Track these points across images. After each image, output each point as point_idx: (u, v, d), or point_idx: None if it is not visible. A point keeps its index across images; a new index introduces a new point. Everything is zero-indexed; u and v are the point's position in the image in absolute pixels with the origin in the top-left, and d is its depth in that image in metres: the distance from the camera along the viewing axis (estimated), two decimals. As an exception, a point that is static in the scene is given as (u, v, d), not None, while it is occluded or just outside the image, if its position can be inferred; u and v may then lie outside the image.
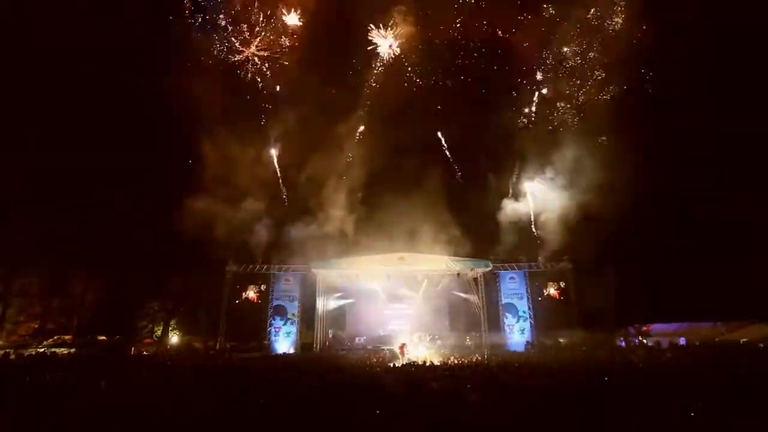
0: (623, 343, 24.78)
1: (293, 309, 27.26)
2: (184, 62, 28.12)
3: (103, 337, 27.66)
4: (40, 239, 26.81)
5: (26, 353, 20.01)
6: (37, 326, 28.00)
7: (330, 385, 9.33)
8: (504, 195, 30.76)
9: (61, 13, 24.92)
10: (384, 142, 30.59)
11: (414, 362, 17.08)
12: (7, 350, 21.58)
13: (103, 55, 27.21)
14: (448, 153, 32.74)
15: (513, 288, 27.77)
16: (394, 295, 30.27)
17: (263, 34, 27.72)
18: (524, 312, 27.27)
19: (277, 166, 30.81)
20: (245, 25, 27.54)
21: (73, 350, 23.45)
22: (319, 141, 30.68)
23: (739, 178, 26.85)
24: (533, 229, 29.20)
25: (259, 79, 28.86)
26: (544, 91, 30.75)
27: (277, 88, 29.44)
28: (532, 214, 29.47)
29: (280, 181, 30.93)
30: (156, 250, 29.44)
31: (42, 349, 22.78)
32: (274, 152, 30.80)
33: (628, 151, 26.30)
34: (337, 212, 29.31)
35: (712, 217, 26.97)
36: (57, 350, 22.80)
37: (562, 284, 27.85)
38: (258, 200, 29.38)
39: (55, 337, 26.95)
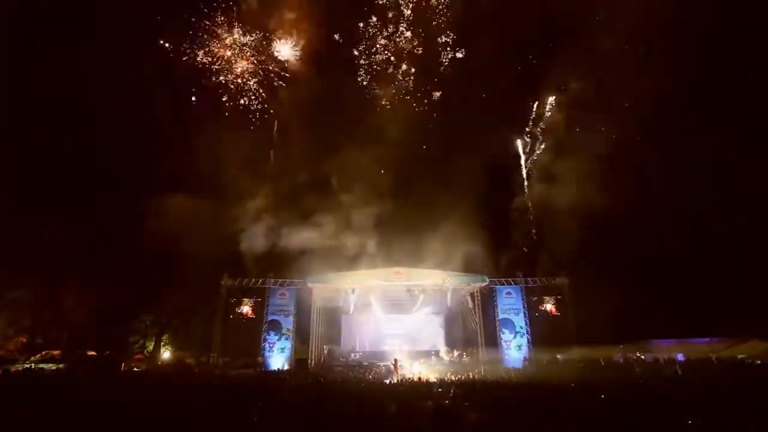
0: (621, 360, 24.54)
1: (288, 324, 26.88)
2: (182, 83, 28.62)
3: (93, 353, 27.08)
4: (33, 251, 26.51)
5: (13, 369, 19.56)
6: (25, 340, 27.41)
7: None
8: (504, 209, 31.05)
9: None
10: (383, 155, 30.88)
11: (410, 379, 16.85)
12: (-6, 366, 21.10)
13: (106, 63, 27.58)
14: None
15: (510, 303, 27.58)
16: (390, 310, 29.99)
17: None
18: (521, 327, 27.03)
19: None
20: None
21: (61, 366, 22.93)
22: (317, 153, 31.02)
23: (735, 197, 27.05)
24: (532, 243, 29.27)
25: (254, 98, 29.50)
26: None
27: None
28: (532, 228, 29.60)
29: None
30: (150, 263, 29.15)
31: (29, 365, 22.29)
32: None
33: (628, 167, 26.68)
34: (334, 226, 29.26)
35: (710, 233, 27.12)
36: (45, 366, 22.30)
37: (560, 299, 27.72)
38: (254, 213, 29.36)
39: (43, 352, 26.35)
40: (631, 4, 27.47)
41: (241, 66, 29.37)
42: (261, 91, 30.34)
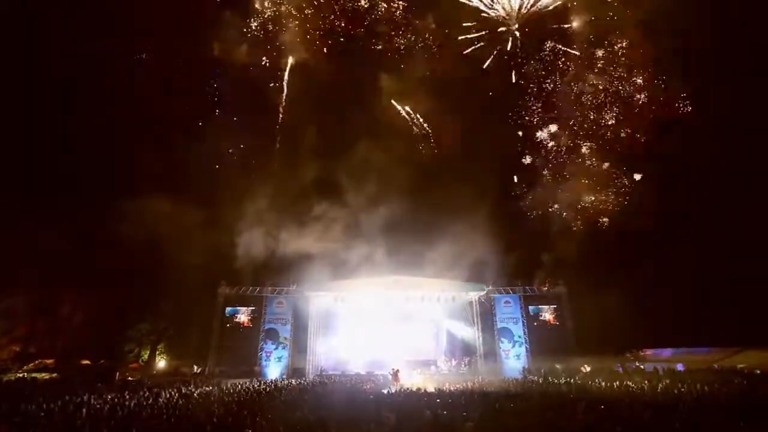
0: (620, 369, 24.43)
1: (285, 333, 26.69)
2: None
3: (87, 362, 26.75)
4: (27, 259, 26.31)
5: (5, 378, 19.29)
6: (18, 349, 27.04)
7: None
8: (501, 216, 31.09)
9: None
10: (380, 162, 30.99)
11: (408, 389, 16.68)
12: (-14, 375, 20.82)
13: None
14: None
15: (508, 312, 27.47)
16: (389, 319, 29.78)
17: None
18: (520, 337, 26.90)
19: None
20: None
21: (54, 375, 22.62)
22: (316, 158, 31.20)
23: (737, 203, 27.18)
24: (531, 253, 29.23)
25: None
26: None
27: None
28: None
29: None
30: (147, 270, 28.93)
31: (22, 374, 21.99)
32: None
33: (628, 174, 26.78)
34: (332, 234, 29.22)
35: (709, 240, 27.21)
36: (38, 375, 21.99)
37: (558, 309, 27.65)
38: (251, 221, 29.32)
39: (37, 362, 26.00)
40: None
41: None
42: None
